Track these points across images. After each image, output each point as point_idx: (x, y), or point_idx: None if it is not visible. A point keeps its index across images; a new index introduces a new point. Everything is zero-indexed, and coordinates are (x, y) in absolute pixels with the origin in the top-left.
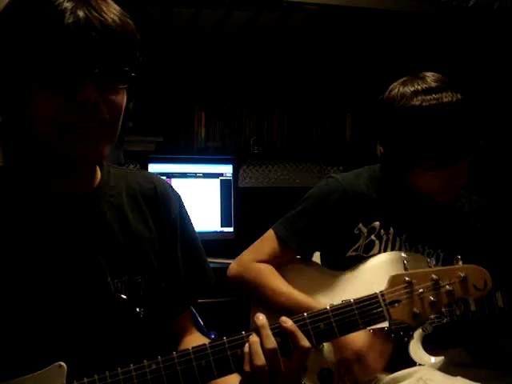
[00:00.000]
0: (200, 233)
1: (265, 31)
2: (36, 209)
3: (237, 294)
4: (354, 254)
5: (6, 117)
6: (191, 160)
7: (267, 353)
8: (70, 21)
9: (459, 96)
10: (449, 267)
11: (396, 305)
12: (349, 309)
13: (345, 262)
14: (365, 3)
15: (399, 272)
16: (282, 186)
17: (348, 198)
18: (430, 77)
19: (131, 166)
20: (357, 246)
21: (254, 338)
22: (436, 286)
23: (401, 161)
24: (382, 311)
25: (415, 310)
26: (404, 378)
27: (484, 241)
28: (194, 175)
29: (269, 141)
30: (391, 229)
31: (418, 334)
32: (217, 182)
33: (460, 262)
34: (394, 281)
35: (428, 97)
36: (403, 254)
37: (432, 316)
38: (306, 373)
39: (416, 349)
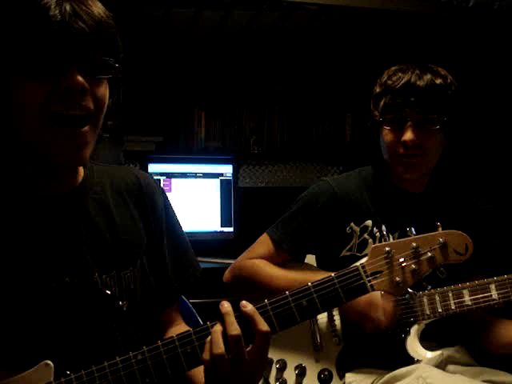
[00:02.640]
0: (200, 233)
1: (265, 31)
2: (20, 209)
3: (234, 295)
4: (348, 253)
5: None
6: (191, 160)
7: (230, 340)
8: (57, 12)
9: (425, 74)
10: (428, 234)
11: (378, 276)
12: (330, 283)
13: (340, 262)
14: (365, 3)
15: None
16: (282, 186)
17: (338, 199)
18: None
19: (131, 166)
20: (350, 245)
21: (216, 327)
22: (416, 254)
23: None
24: (364, 283)
25: (397, 279)
26: (403, 376)
27: (477, 238)
28: (194, 175)
29: (269, 141)
30: (383, 227)
31: (414, 329)
32: (217, 181)
33: (440, 229)
34: (374, 252)
35: (396, 71)
36: None
37: (411, 283)
38: (306, 373)
39: (413, 344)
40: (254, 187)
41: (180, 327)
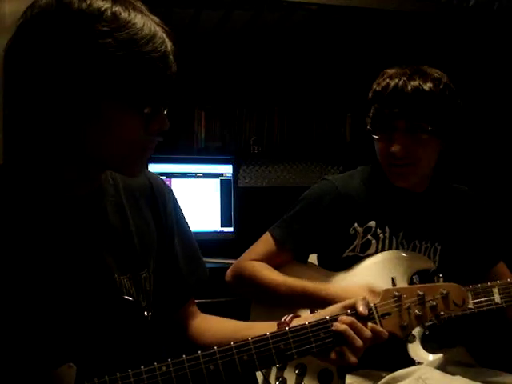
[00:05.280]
0: (200, 233)
1: (265, 31)
2: (41, 211)
3: (237, 294)
4: (350, 254)
5: (61, 128)
6: (191, 160)
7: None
8: (173, 62)
9: (413, 80)
10: (433, 284)
11: (387, 317)
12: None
13: (342, 262)
14: (364, 3)
15: (395, 274)
16: (282, 186)
17: (341, 199)
18: (422, 67)
19: None
20: (353, 246)
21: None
22: (421, 301)
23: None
24: (376, 322)
25: (403, 322)
26: (403, 377)
27: (479, 231)
28: (194, 175)
29: (269, 141)
30: (387, 227)
31: (416, 332)
32: (217, 181)
33: (441, 280)
34: (385, 295)
35: (386, 77)
36: (403, 254)
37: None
38: (306, 373)
39: (414, 347)
40: (254, 187)
41: (204, 318)
